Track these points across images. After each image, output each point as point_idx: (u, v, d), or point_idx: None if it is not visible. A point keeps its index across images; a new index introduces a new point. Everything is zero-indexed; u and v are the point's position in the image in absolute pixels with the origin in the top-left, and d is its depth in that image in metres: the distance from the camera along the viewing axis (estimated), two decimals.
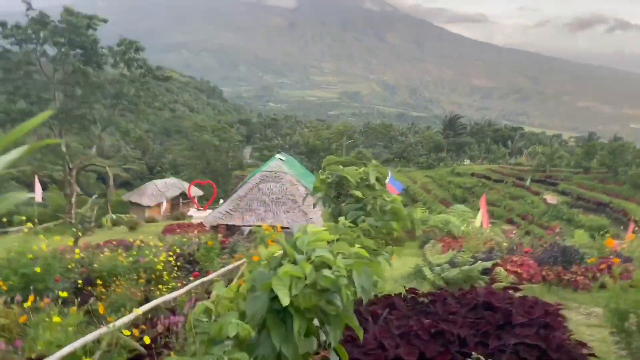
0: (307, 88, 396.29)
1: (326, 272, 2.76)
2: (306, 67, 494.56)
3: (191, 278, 9.49)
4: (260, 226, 11.69)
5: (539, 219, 40.85)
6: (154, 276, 9.17)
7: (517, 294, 5.66)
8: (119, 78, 36.27)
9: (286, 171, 20.90)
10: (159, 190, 45.07)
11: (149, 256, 9.85)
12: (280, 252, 2.96)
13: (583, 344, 4.46)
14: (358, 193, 5.58)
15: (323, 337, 2.86)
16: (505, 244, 12.28)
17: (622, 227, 31.58)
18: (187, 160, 66.73)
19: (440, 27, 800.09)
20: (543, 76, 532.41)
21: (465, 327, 4.51)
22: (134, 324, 5.64)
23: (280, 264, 2.87)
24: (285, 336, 2.63)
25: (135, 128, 43.67)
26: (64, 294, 6.61)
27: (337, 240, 4.88)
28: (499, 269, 7.06)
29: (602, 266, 7.00)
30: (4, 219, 30.97)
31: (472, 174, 57.70)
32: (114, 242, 13.17)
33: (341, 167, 5.64)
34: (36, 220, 15.48)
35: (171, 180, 49.86)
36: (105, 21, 34.69)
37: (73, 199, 34.20)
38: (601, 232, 15.51)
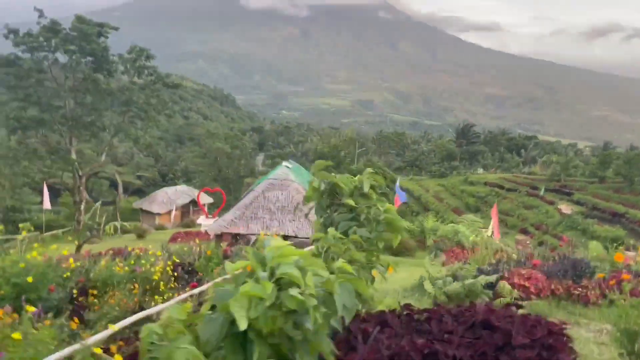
0: (321, 96, 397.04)
1: (293, 291, 2.46)
2: (320, 75, 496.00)
3: (187, 289, 9.24)
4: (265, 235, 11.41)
5: (553, 229, 40.15)
6: (147, 287, 8.90)
7: (521, 311, 5.30)
8: (129, 85, 36.43)
9: (293, 179, 20.66)
10: (169, 198, 45.12)
11: (145, 265, 9.62)
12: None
13: None
14: (351, 202, 5.26)
15: None
16: (514, 256, 11.86)
17: (638, 239, 30.89)
18: (199, 167, 66.87)
19: (454, 35, 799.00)
20: (558, 85, 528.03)
21: (462, 348, 4.18)
22: (121, 338, 5.39)
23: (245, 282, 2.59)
24: None
25: (145, 135, 43.79)
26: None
27: (324, 252, 4.58)
28: (502, 283, 6.69)
29: (612, 282, 6.61)
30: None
31: (485, 183, 57.11)
32: (111, 251, 12.97)
33: (333, 173, 5.34)
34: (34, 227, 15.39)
35: (182, 187, 49.94)
36: (116, 29, 34.92)
37: (82, 206, 34.28)
38: (616, 244, 15.02)
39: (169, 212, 44.57)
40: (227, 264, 2.72)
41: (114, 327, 4.42)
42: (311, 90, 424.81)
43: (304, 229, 18.11)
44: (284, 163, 24.10)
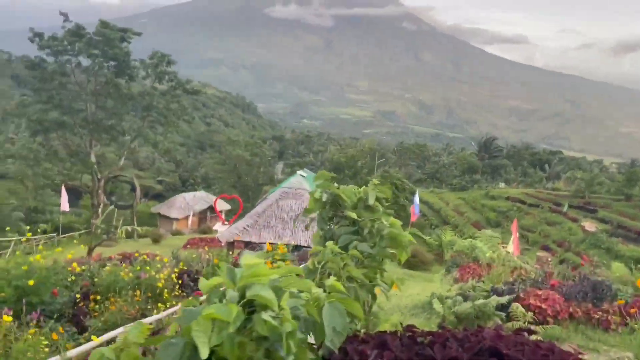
0: (342, 106, 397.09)
1: (265, 315, 2.18)
2: (342, 85, 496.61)
3: (190, 298, 8.99)
4: (275, 244, 11.14)
5: (576, 246, 39.13)
6: (149, 294, 8.67)
7: (534, 337, 4.93)
8: (149, 90, 36.70)
9: (307, 188, 20.38)
10: (187, 204, 45.25)
11: (150, 272, 9.41)
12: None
13: None
14: (353, 214, 4.94)
15: None
16: (532, 274, 11.37)
17: None
18: (219, 174, 67.05)
19: (479, 47, 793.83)
20: (584, 100, 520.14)
21: None
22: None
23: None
24: None
25: (164, 140, 44.05)
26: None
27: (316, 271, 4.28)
28: (515, 305, 6.29)
29: (632, 310, 6.17)
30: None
31: (507, 198, 56.00)
32: (117, 256, 12.80)
33: (335, 184, 5.04)
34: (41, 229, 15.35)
35: (200, 193, 50.05)
36: (139, 34, 35.24)
37: (100, 209, 34.47)
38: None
39: (187, 218, 44.67)
40: (202, 281, 2.44)
41: (96, 339, 4.18)
42: (333, 100, 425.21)
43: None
44: (299, 172, 23.86)
